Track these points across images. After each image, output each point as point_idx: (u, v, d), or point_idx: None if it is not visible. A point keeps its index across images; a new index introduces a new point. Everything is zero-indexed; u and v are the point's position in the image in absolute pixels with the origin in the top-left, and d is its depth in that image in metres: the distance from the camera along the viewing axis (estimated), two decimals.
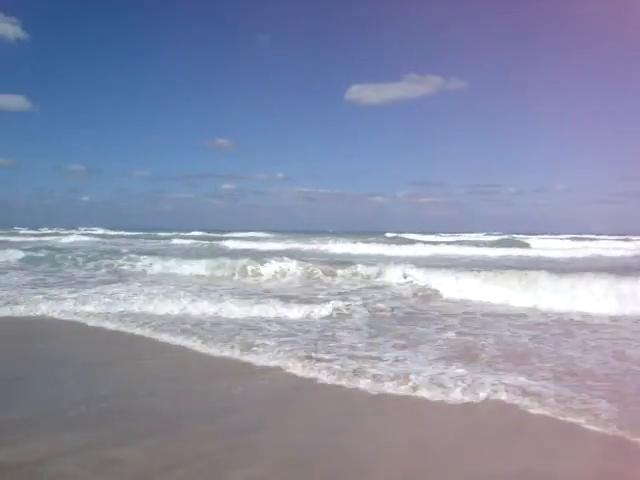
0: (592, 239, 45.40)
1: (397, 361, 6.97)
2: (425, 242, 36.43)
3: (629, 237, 48.03)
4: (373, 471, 4.17)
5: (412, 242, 37.47)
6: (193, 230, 67.16)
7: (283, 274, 17.06)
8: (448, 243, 36.31)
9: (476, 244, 36.57)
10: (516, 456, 4.41)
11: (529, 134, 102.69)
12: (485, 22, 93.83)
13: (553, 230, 59.31)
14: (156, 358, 7.51)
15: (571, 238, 46.55)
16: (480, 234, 59.17)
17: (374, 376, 6.26)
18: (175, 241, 44.46)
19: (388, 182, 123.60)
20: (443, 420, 5.16)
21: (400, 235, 52.60)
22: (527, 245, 38.49)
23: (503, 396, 5.56)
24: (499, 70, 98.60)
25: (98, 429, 4.90)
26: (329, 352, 7.45)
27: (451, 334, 8.72)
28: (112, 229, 71.44)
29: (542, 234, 57.51)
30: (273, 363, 7.05)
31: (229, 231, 63.59)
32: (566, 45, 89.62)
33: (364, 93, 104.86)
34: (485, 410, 5.34)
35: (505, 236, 51.02)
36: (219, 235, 53.67)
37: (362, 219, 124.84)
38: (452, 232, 66.62)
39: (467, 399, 5.56)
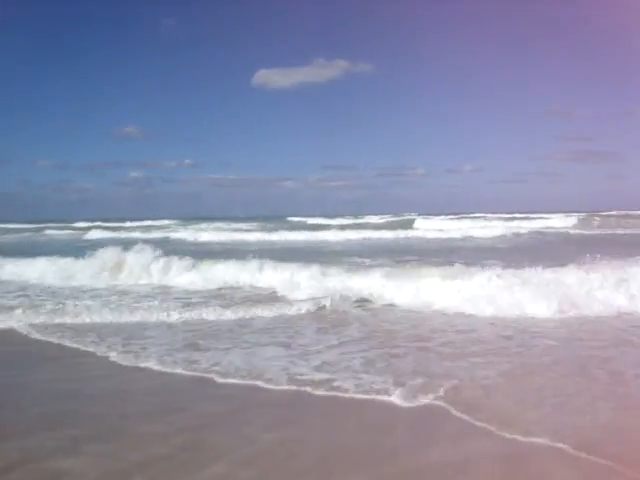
0: (487, 218, 47.50)
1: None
2: (316, 226, 38.07)
3: (529, 215, 50.90)
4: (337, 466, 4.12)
5: (312, 227, 38.72)
6: (98, 220, 65.40)
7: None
8: (342, 227, 37.35)
9: (364, 227, 38.35)
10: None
11: (437, 116, 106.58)
12: (390, 6, 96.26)
13: (464, 210, 62.14)
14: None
15: (459, 218, 49.02)
16: (387, 216, 61.28)
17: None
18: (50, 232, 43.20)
19: (299, 167, 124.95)
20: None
21: (304, 220, 54.04)
22: (411, 226, 40.38)
23: None
24: (406, 53, 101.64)
25: (32, 439, 4.50)
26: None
27: None
28: (16, 222, 68.86)
29: (451, 214, 60.09)
30: None
31: (137, 220, 62.69)
32: (470, 24, 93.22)
33: (271, 77, 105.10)
34: None
35: (396, 218, 53.26)
36: (118, 225, 52.80)
37: (274, 204, 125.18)
38: (365, 214, 68.47)
39: None
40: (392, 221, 46.41)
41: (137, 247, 14.71)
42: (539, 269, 10.16)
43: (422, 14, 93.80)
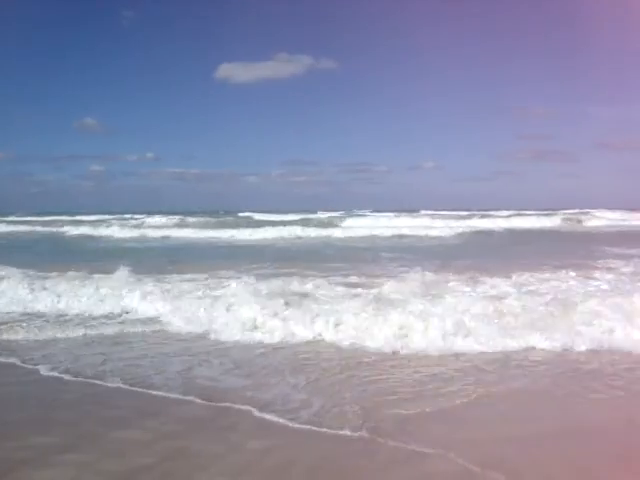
0: (437, 216, 47.03)
1: None
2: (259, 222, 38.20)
3: (492, 213, 50.46)
4: None
5: (255, 224, 38.42)
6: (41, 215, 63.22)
7: None
8: (274, 224, 34.84)
9: (306, 223, 37.36)
10: None
11: (399, 113, 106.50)
12: (354, 3, 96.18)
13: (424, 207, 62.16)
14: None
15: (396, 215, 48.24)
16: (340, 212, 59.99)
17: None
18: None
19: (261, 161, 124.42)
20: None
21: (251, 215, 53.19)
22: (337, 225, 38.62)
23: None
24: (369, 50, 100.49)
25: None
26: None
27: None
28: None
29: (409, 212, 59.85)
30: None
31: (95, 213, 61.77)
32: (431, 22, 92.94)
33: (233, 72, 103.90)
34: None
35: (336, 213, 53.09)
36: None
37: (235, 199, 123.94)
38: (324, 210, 68.01)
39: None
40: (334, 217, 46.25)
41: None
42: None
43: (385, 11, 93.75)
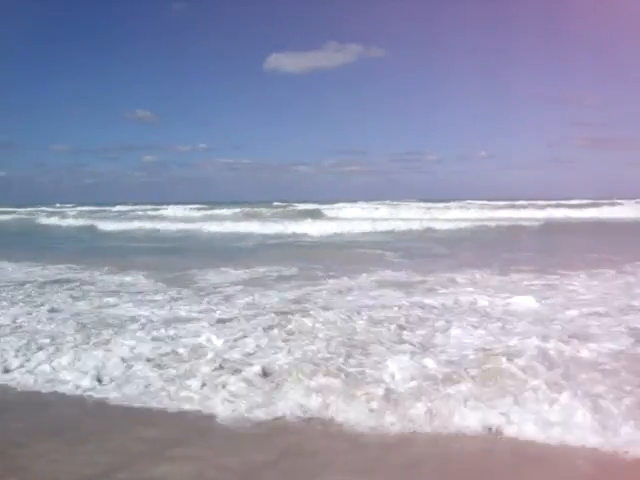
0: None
1: None
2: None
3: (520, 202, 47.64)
4: None
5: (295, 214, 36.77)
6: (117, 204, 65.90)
7: None
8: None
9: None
10: None
11: (450, 101, 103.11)
12: None
13: (472, 197, 59.38)
14: None
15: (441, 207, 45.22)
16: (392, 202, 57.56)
17: None
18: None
19: (312, 151, 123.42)
20: None
21: (295, 205, 52.26)
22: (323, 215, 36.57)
23: None
24: (419, 37, 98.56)
25: None
26: None
27: None
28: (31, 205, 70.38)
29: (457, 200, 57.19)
30: None
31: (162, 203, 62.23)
32: (484, 9, 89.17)
33: (283, 61, 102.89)
34: None
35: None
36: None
37: (287, 189, 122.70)
38: (376, 200, 66.28)
39: None
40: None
41: None
42: None
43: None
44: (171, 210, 45.73)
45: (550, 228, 25.61)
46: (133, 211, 48.03)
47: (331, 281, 10.16)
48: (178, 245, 19.99)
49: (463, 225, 25.92)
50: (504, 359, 5.15)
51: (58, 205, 63.92)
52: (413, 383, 4.81)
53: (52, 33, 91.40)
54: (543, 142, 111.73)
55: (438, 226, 25.71)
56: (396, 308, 7.66)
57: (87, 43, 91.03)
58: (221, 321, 7.18)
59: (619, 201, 42.43)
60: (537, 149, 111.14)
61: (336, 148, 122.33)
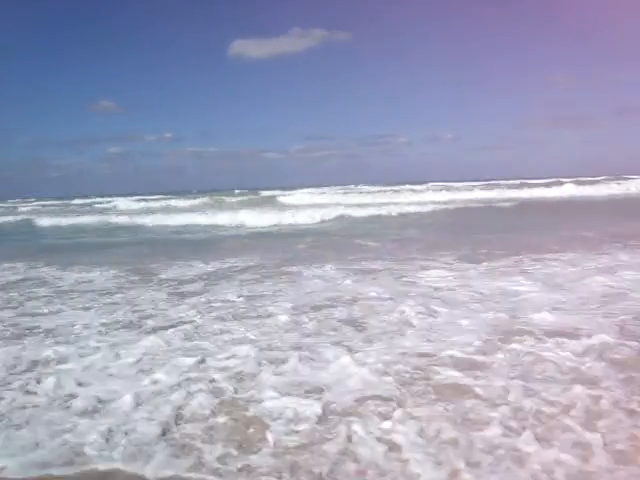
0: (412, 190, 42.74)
1: None
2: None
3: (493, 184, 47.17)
4: None
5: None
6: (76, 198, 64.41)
7: None
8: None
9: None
10: None
11: (417, 83, 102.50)
12: None
13: (447, 178, 58.91)
14: None
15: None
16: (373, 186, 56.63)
17: None
18: None
19: (279, 137, 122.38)
20: None
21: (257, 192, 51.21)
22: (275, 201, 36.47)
23: None
24: (384, 20, 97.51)
25: None
26: None
27: None
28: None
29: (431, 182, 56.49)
30: None
31: (117, 195, 60.58)
32: None
33: (247, 48, 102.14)
34: None
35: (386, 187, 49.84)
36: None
37: (255, 176, 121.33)
38: (343, 185, 65.45)
39: None
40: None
41: None
42: None
43: None
44: (123, 202, 44.00)
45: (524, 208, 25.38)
46: (91, 204, 46.59)
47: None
48: (105, 241, 18.51)
49: (429, 208, 25.23)
50: None
51: (13, 201, 61.88)
52: None
53: (12, 25, 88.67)
54: (509, 123, 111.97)
55: (406, 209, 24.97)
56: None
57: (48, 35, 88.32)
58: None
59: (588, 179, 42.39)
60: (503, 130, 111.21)
61: (304, 133, 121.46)
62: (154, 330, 5.97)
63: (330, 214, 23.26)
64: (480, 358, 4.62)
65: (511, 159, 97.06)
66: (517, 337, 5.09)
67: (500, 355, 4.67)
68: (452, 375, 4.29)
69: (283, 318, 6.20)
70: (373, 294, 7.22)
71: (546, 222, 17.93)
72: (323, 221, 21.75)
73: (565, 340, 4.92)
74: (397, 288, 7.56)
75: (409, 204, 27.92)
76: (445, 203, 28.66)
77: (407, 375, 4.33)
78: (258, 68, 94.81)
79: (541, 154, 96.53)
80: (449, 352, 4.77)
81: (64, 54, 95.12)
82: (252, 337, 5.55)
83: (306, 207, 27.62)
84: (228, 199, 42.18)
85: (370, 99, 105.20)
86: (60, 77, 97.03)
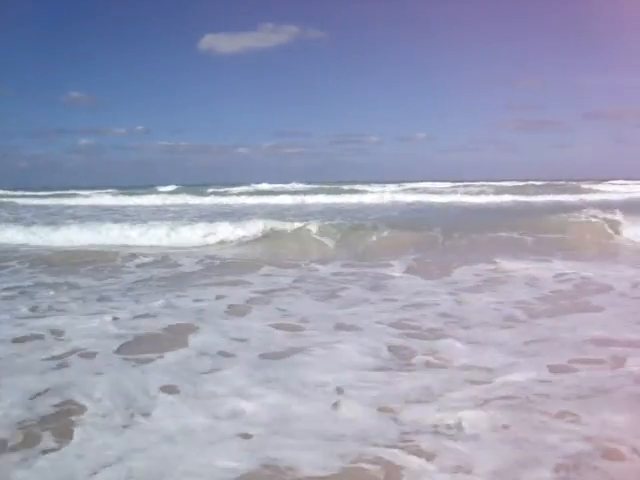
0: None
1: None
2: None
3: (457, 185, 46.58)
4: None
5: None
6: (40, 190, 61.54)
7: None
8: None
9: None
10: None
11: (389, 83, 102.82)
12: None
13: (414, 179, 58.67)
14: None
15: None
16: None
17: None
18: None
19: (251, 133, 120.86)
20: None
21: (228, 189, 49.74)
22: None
23: None
24: (358, 19, 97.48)
25: None
26: None
27: None
28: None
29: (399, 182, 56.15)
30: None
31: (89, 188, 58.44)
32: None
33: (218, 42, 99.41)
34: None
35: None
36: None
37: (227, 171, 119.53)
38: (316, 182, 64.56)
39: None
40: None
41: None
42: None
43: None
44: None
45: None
46: (48, 196, 43.46)
47: None
48: None
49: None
50: None
51: None
52: None
53: None
54: (480, 125, 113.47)
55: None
56: None
57: (17, 24, 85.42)
58: None
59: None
60: (475, 131, 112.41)
61: (276, 130, 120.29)
62: None
63: None
64: None
65: (481, 161, 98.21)
66: None
67: None
68: None
69: None
70: None
71: None
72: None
73: None
74: None
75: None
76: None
77: None
78: (229, 63, 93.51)
79: (512, 156, 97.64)
80: None
81: (35, 45, 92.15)
82: None
83: None
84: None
85: (343, 97, 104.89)
86: (30, 67, 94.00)
